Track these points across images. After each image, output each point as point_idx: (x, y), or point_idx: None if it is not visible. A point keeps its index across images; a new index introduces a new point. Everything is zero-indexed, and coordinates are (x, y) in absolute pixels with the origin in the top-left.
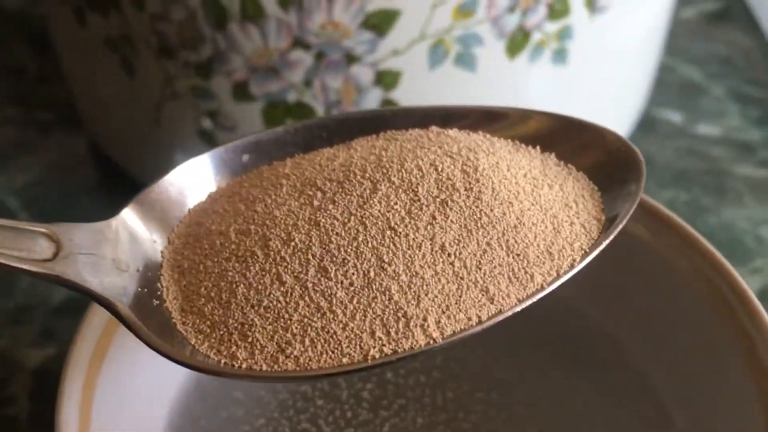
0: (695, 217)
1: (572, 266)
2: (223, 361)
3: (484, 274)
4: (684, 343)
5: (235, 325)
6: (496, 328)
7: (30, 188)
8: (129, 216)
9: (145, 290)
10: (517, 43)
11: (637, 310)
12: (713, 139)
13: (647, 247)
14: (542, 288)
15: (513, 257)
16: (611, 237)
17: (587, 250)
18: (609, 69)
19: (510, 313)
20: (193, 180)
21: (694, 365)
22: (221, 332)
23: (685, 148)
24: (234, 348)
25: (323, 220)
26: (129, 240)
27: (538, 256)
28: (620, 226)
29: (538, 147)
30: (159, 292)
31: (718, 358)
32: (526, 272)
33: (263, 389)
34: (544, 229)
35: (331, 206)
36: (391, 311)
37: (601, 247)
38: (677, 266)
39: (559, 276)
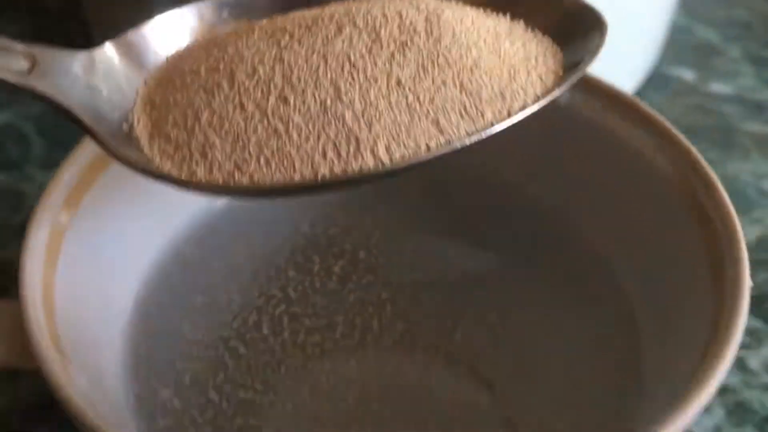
0: None
1: (524, 107)
2: (183, 176)
3: (436, 108)
4: (638, 218)
5: (197, 146)
6: (458, 216)
7: (44, 116)
8: (109, 50)
9: (116, 116)
10: None
11: (593, 188)
12: (724, 97)
13: (603, 127)
14: (492, 125)
15: (466, 95)
16: (567, 85)
17: (540, 96)
18: (614, 18)
19: (458, 145)
20: (173, 30)
21: (647, 238)
22: (184, 153)
23: (696, 104)
24: (194, 166)
25: (287, 57)
26: (106, 72)
27: (490, 97)
28: (577, 76)
29: (508, 14)
30: (129, 122)
31: (672, 230)
32: (477, 109)
33: (240, 257)
34: (500, 74)
35: (296, 45)
36: (344, 135)
37: (556, 94)
38: (632, 144)
39: (510, 115)
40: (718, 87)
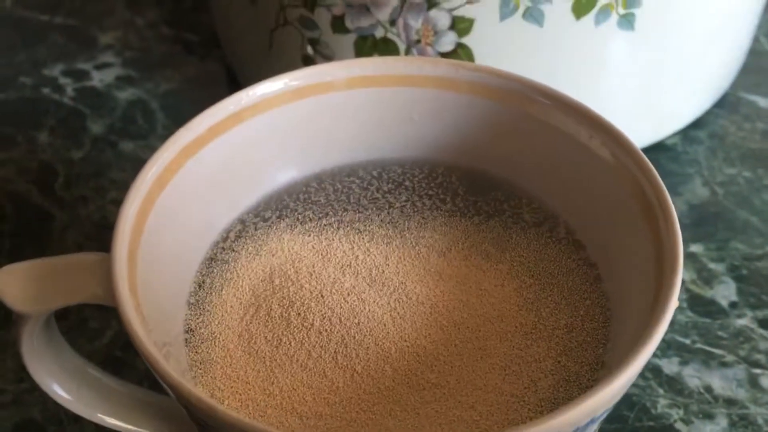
0: (750, 192)
1: None
2: None
3: None
4: (600, 203)
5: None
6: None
7: (170, 95)
8: None
9: None
10: (583, 4)
11: (567, 184)
12: None
13: (579, 143)
14: None
15: None
16: None
17: None
18: (678, 42)
19: None
20: None
21: (597, 209)
22: None
23: (762, 130)
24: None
25: None
26: None
27: None
28: None
29: None
30: None
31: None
32: None
33: None
34: None
35: None
36: None
37: None
38: (596, 150)
39: None
40: None
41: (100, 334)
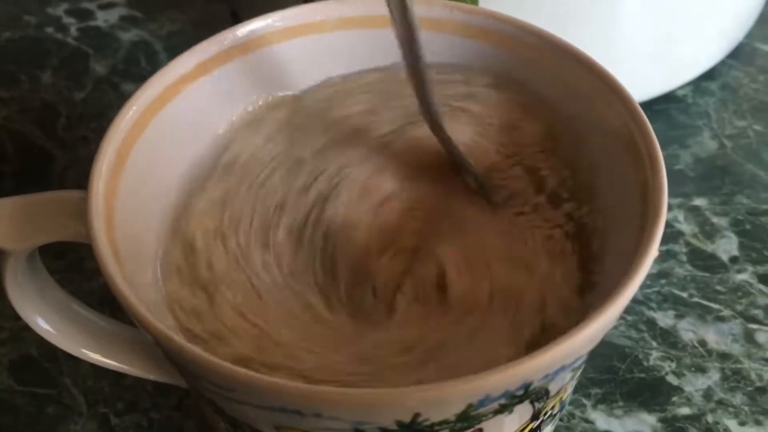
0: (760, 145)
1: None
2: None
3: None
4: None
5: None
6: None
7: (173, 36)
8: None
9: None
10: None
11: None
12: None
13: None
14: None
15: None
16: None
17: None
18: None
19: None
20: None
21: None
22: None
23: None
24: None
25: None
26: None
27: None
28: None
29: None
30: None
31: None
32: None
33: None
34: None
35: None
36: None
37: None
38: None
39: None
40: None
41: (96, 274)
